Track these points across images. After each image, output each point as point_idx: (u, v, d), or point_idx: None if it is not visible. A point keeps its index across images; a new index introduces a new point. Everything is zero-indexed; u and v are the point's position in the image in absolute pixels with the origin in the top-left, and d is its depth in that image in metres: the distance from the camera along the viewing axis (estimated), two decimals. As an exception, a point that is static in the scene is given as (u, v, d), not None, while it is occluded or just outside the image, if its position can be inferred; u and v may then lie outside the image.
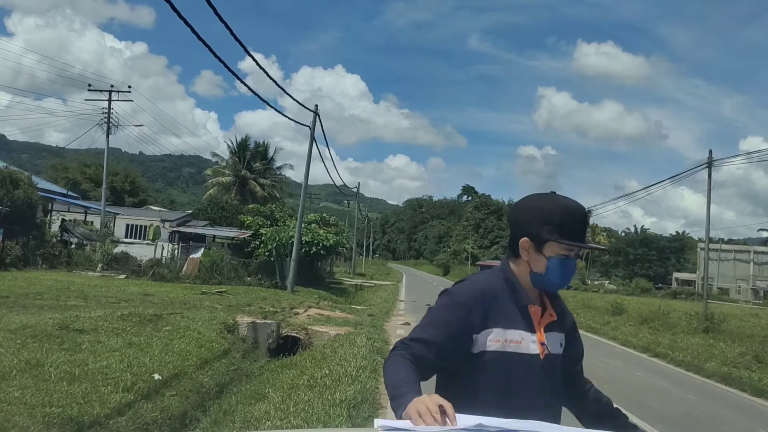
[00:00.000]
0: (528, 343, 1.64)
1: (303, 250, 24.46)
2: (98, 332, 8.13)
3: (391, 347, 1.56)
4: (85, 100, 30.70)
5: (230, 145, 48.27)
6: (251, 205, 33.83)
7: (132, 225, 36.75)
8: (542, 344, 1.66)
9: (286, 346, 11.41)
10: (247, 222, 26.71)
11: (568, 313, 1.83)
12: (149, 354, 7.55)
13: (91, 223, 30.31)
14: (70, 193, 36.08)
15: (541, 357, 1.65)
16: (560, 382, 1.73)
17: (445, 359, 1.60)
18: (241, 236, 26.23)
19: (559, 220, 1.62)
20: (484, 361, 1.61)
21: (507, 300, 1.67)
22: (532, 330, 1.66)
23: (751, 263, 63.17)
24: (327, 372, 7.70)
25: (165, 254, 24.35)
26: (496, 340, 1.62)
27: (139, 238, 32.49)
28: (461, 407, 1.38)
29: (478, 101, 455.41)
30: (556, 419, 1.65)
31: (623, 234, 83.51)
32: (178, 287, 18.48)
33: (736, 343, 14.44)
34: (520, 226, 1.69)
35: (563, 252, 1.64)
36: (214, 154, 49.92)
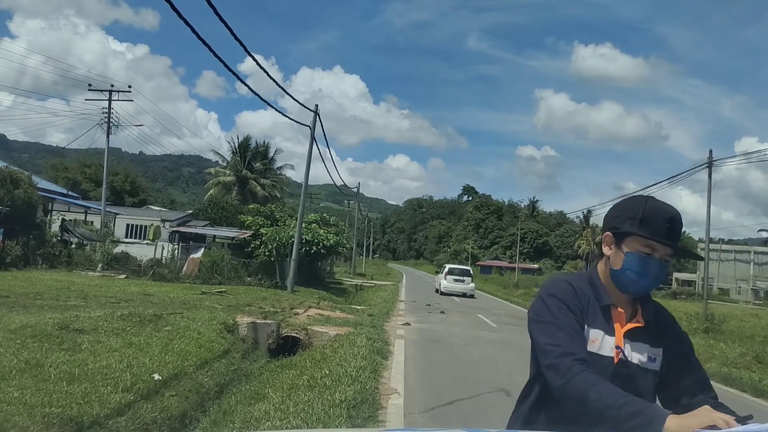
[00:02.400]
0: (604, 344, 1.62)
1: (303, 250, 24.45)
2: (98, 332, 8.12)
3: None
4: (86, 99, 30.80)
5: (231, 145, 48.41)
6: (251, 205, 33.83)
7: (132, 225, 36.80)
8: (617, 348, 1.62)
9: (286, 346, 11.41)
10: (248, 222, 26.71)
11: (675, 330, 1.73)
12: (149, 354, 7.54)
13: (91, 223, 30.33)
14: (70, 193, 36.10)
15: (615, 361, 1.61)
16: (649, 397, 1.63)
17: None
18: (242, 236, 26.23)
19: (642, 215, 1.59)
20: None
21: (591, 299, 1.66)
22: (613, 333, 1.63)
23: (751, 263, 63.21)
24: (327, 372, 7.69)
25: (165, 254, 24.36)
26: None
27: (139, 238, 32.52)
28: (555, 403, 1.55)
29: (477, 101, 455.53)
30: None
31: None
32: (178, 287, 18.48)
33: (737, 343, 14.43)
34: (606, 223, 1.69)
35: (643, 249, 1.59)
36: (216, 153, 50.06)
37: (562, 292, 1.64)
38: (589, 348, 1.60)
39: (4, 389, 5.25)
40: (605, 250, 1.68)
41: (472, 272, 33.80)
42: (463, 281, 31.09)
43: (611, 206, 1.76)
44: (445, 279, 31.32)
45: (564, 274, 1.89)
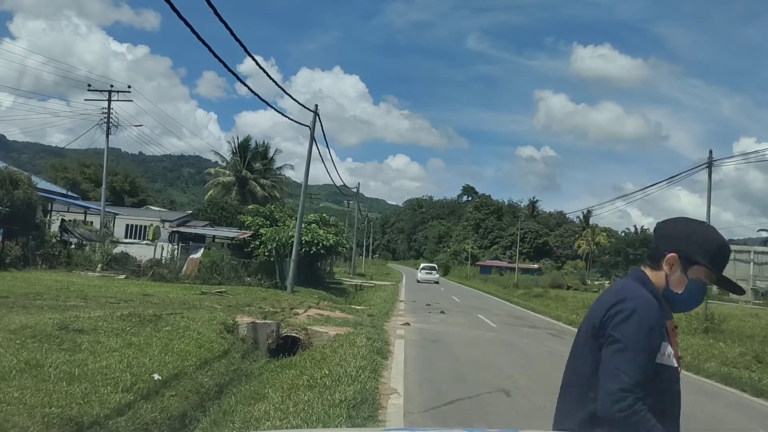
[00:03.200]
0: (672, 357, 1.71)
1: (303, 250, 24.45)
2: (98, 332, 8.12)
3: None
4: (85, 100, 30.75)
5: (231, 145, 48.41)
6: (251, 206, 33.85)
7: (132, 225, 36.77)
8: (679, 357, 1.74)
9: (286, 346, 11.41)
10: (247, 222, 26.71)
11: None
12: (149, 354, 7.54)
13: (91, 223, 30.32)
14: (69, 193, 36.13)
15: (680, 370, 1.74)
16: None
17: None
18: (241, 236, 26.23)
19: (715, 250, 1.72)
20: (656, 372, 1.66)
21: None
22: (670, 343, 1.73)
23: (751, 263, 63.11)
24: (327, 372, 7.70)
25: (165, 254, 24.37)
26: (660, 353, 1.69)
27: (139, 239, 32.51)
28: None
29: (477, 101, 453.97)
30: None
31: (623, 234, 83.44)
32: (178, 287, 18.48)
33: (736, 343, 14.43)
34: (672, 242, 1.75)
35: (705, 278, 1.74)
36: (216, 153, 50.09)
37: (654, 318, 1.66)
38: (668, 362, 1.69)
39: (4, 389, 5.25)
40: (665, 268, 1.75)
41: (437, 267, 54.29)
42: (431, 273, 46.83)
43: (677, 224, 1.80)
44: (420, 272, 47.43)
45: (637, 286, 1.79)
